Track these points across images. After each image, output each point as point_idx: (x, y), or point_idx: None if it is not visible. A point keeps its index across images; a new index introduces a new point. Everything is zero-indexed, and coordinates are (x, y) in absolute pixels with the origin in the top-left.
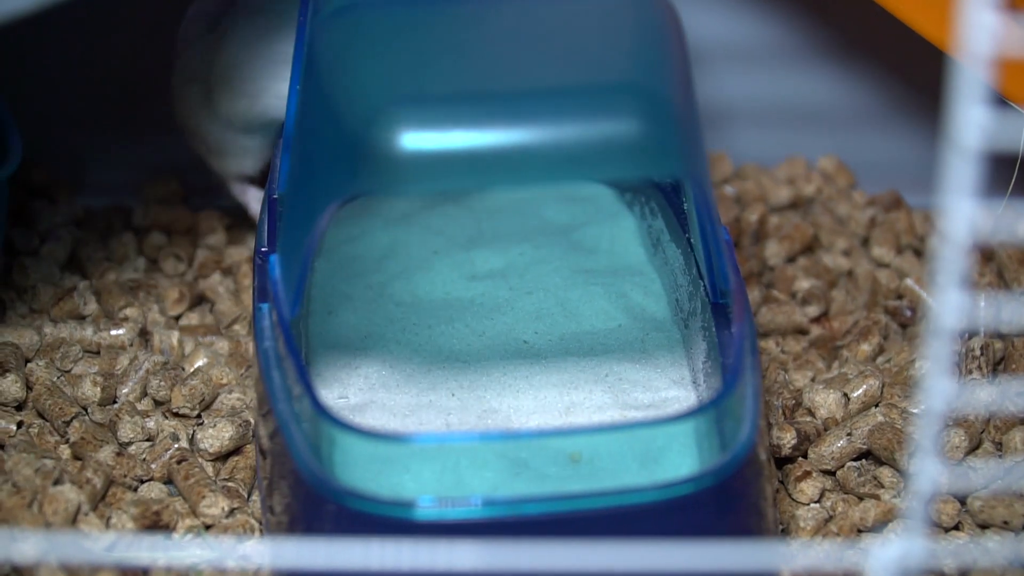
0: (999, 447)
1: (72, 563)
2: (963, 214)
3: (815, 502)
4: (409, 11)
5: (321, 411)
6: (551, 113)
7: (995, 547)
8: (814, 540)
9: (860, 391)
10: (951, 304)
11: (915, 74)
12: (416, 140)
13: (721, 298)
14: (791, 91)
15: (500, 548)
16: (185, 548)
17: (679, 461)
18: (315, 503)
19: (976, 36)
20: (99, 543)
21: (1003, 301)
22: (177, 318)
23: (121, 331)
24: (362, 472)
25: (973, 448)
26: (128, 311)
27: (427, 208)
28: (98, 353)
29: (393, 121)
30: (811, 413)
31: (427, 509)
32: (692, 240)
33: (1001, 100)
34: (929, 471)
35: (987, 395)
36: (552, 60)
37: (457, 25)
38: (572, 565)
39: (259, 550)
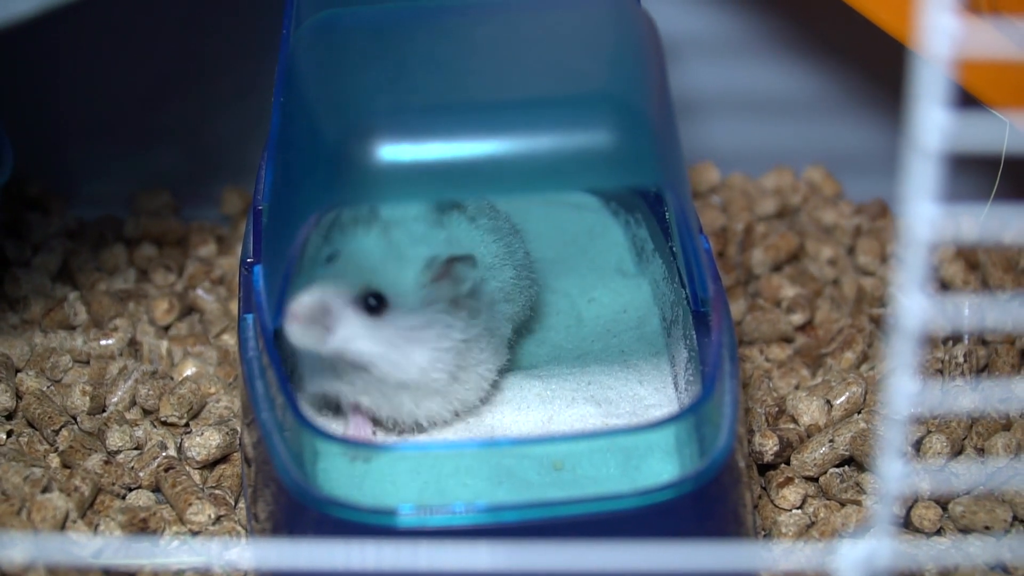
0: (981, 452)
1: (60, 568)
2: (924, 217)
3: (797, 508)
4: (388, 23)
5: (303, 421)
6: (528, 124)
7: (976, 551)
8: (795, 545)
9: (843, 398)
10: (913, 306)
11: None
12: (394, 152)
13: (702, 306)
14: (778, 92)
15: (481, 553)
16: (172, 554)
17: (660, 468)
18: (297, 511)
19: (935, 38)
20: (87, 549)
21: (987, 307)
22: (167, 328)
23: (111, 341)
24: (345, 480)
25: (955, 454)
26: (118, 321)
27: None
28: (88, 363)
29: (371, 132)
30: (794, 420)
31: (408, 517)
32: (674, 249)
33: (974, 103)
34: (894, 472)
35: (969, 401)
36: (530, 71)
37: (436, 36)
38: (552, 570)
39: (245, 556)
